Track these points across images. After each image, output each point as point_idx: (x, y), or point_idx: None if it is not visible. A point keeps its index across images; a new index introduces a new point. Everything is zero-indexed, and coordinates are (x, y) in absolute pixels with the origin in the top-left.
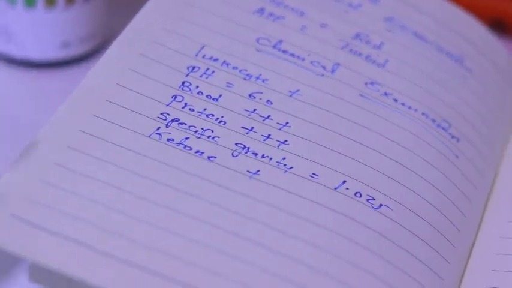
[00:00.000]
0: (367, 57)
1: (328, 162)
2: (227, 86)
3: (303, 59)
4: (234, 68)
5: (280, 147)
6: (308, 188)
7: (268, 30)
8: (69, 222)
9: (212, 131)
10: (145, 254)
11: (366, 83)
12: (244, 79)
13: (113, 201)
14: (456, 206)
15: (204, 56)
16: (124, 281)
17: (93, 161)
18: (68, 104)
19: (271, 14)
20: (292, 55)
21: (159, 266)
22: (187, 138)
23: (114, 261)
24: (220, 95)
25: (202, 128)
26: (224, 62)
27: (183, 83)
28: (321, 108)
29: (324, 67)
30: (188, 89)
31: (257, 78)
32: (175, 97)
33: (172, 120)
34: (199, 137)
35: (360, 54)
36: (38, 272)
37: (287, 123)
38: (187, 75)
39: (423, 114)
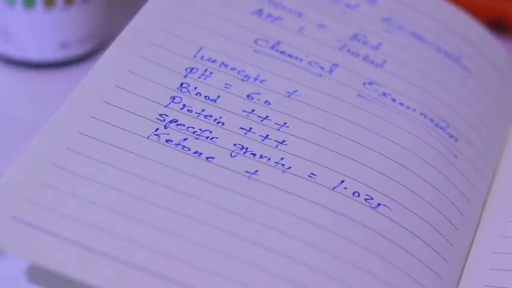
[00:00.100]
0: (365, 58)
1: (326, 162)
2: (225, 87)
3: (301, 60)
4: (232, 69)
5: (279, 147)
6: (306, 188)
7: (266, 31)
8: (69, 223)
9: (210, 132)
10: (144, 255)
11: (364, 83)
12: (243, 80)
13: (111, 203)
14: (455, 205)
15: (202, 58)
16: (124, 282)
17: (92, 163)
18: (67, 105)
19: (269, 15)
20: (290, 56)
21: (158, 267)
22: (185, 139)
23: (113, 262)
24: (219, 96)
25: (200, 129)
26: (222, 63)
27: (181, 84)
28: (319, 108)
29: (322, 68)
30: (186, 90)
31: (255, 79)
32: (174, 98)
33: (170, 121)
34: (197, 138)
35: (358, 54)
36: (37, 274)
37: (285, 123)
38: (185, 76)
39: (421, 114)
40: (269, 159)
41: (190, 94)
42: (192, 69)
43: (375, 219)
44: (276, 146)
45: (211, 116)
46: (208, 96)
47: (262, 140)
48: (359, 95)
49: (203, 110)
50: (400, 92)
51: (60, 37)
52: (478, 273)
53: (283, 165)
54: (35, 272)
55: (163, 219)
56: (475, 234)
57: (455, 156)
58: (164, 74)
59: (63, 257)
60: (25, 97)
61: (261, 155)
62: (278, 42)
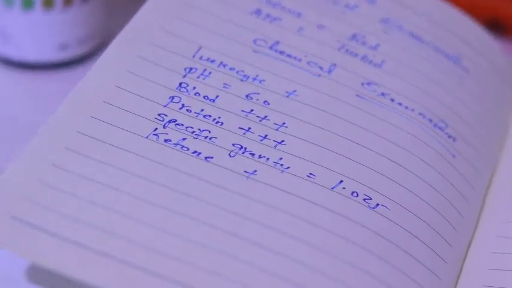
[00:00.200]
0: (364, 58)
1: (325, 162)
2: (224, 86)
3: (300, 60)
4: (231, 69)
5: (277, 147)
6: (305, 187)
7: (265, 31)
8: (68, 223)
9: (209, 132)
10: (143, 255)
11: (363, 84)
12: (241, 80)
13: (111, 202)
14: (453, 205)
15: (201, 57)
16: (123, 282)
17: (91, 162)
18: (66, 105)
19: (268, 15)
20: (289, 56)
21: (157, 266)
22: (184, 138)
23: (113, 261)
24: (217, 96)
25: (199, 129)
26: (221, 63)
27: (180, 84)
28: (317, 108)
29: (320, 68)
30: (185, 90)
31: (254, 79)
32: (173, 98)
33: (169, 121)
34: (196, 138)
35: (357, 54)
36: (37, 273)
37: (284, 123)
38: (184, 76)
39: (420, 114)
40: (268, 159)
41: (189, 94)
42: (191, 69)
43: (373, 220)
44: (275, 146)
45: (210, 116)
46: (207, 96)
47: (261, 140)
48: (358, 95)
49: (202, 110)
50: (399, 92)
51: (59, 38)
52: (477, 273)
53: (282, 165)
54: (35, 272)
55: (162, 219)
56: (473, 234)
57: (454, 157)
58: (163, 73)
59: (62, 256)
60: (24, 98)
61: (260, 155)
62: (277, 42)
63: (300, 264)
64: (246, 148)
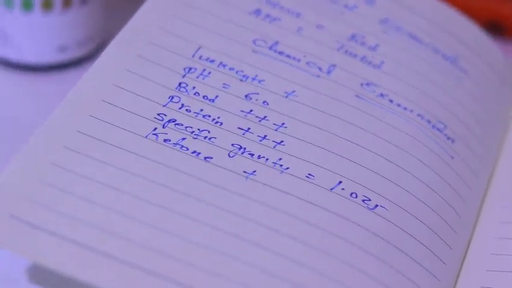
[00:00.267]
0: (363, 59)
1: (324, 163)
2: (223, 87)
3: (299, 60)
4: (230, 69)
5: (277, 147)
6: (304, 188)
7: (264, 32)
8: (67, 222)
9: (209, 132)
10: (143, 254)
11: (362, 84)
12: (241, 80)
13: (110, 202)
14: (451, 206)
15: (200, 57)
16: (123, 282)
17: (90, 162)
18: (65, 104)
19: (267, 16)
20: (288, 56)
21: (155, 266)
22: (183, 138)
23: (113, 261)
24: (217, 96)
25: (198, 129)
26: (220, 63)
27: (180, 84)
28: (317, 109)
29: (319, 68)
30: (185, 90)
31: (253, 79)
32: (172, 98)
33: (169, 121)
34: (195, 138)
35: (356, 55)
36: (38, 273)
37: (283, 124)
38: (183, 76)
39: (419, 115)
40: (267, 159)
41: (188, 94)
42: (190, 68)
43: (372, 221)
44: (274, 147)
45: (209, 116)
46: (206, 96)
47: (260, 141)
48: (357, 96)
49: (201, 110)
50: (398, 93)
51: (58, 40)
52: (475, 274)
53: (281, 165)
54: (35, 272)
55: (161, 219)
56: (471, 235)
57: (452, 158)
58: (163, 73)
59: (62, 256)
60: (23, 100)
61: (259, 156)
62: (276, 43)
63: (299, 264)
64: (245, 148)
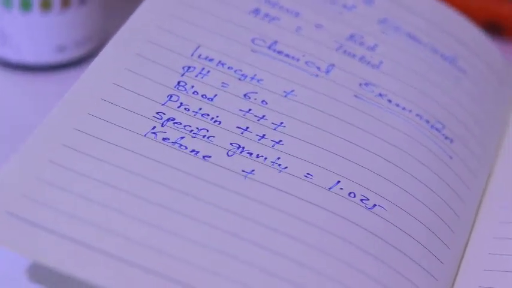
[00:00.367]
0: (362, 58)
1: (322, 163)
2: (222, 86)
3: (298, 60)
4: (229, 68)
5: (275, 147)
6: (302, 187)
7: (263, 31)
8: (65, 220)
9: (207, 131)
10: (141, 253)
11: (360, 84)
12: (239, 79)
13: (108, 200)
14: (450, 206)
15: (199, 56)
16: (122, 280)
17: (88, 160)
18: (64, 102)
19: (266, 15)
20: (287, 56)
21: (154, 264)
22: (182, 137)
23: (111, 259)
24: (216, 95)
25: (197, 128)
26: (219, 62)
27: (179, 82)
28: (315, 108)
29: (318, 68)
30: (183, 89)
31: (252, 78)
32: (171, 96)
33: (167, 120)
34: (194, 137)
35: (354, 55)
36: (37, 272)
37: (282, 123)
38: (182, 75)
39: (417, 115)
40: (265, 158)
41: (187, 92)
42: (189, 67)
43: (370, 220)
44: (273, 146)
45: (208, 115)
46: (205, 95)
47: (259, 140)
48: (355, 96)
49: (200, 109)
50: (396, 93)
51: (57, 40)
52: (473, 274)
53: (279, 165)
54: (35, 271)
55: (160, 217)
56: (470, 235)
57: (451, 158)
58: (161, 72)
59: (60, 254)
60: (22, 100)
61: (258, 155)
62: (275, 42)
63: (296, 263)
64: (243, 147)
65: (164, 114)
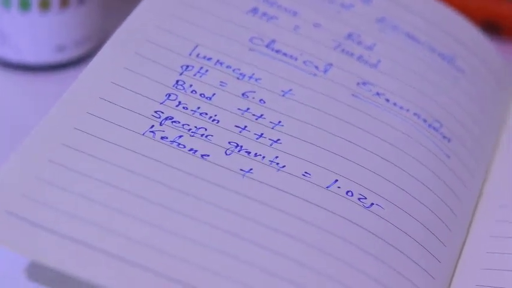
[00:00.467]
0: (360, 58)
1: (320, 161)
2: (220, 85)
3: (296, 59)
4: (227, 67)
5: (273, 146)
6: (300, 186)
7: (261, 30)
8: (65, 219)
9: (205, 130)
10: (141, 252)
11: (358, 83)
12: (238, 78)
13: (107, 199)
14: (447, 205)
15: (197, 55)
16: (123, 280)
17: (88, 159)
18: (63, 101)
19: (264, 14)
20: (285, 55)
21: (153, 264)
22: (180, 136)
23: (111, 259)
24: (214, 94)
25: (195, 127)
26: (217, 61)
27: (177, 81)
28: (313, 107)
29: (316, 67)
30: (182, 88)
31: (250, 77)
32: (169, 95)
33: (166, 119)
34: (192, 135)
35: (352, 54)
36: (37, 272)
37: (280, 122)
38: (181, 74)
39: (415, 114)
40: (264, 157)
41: (185, 91)
42: (187, 66)
43: (368, 219)
44: (271, 145)
45: (206, 114)
46: (203, 94)
47: (257, 139)
48: (353, 95)
49: (198, 108)
50: (394, 92)
51: (56, 40)
52: (470, 272)
53: (277, 163)
54: (34, 270)
55: (159, 216)
56: (467, 234)
57: (448, 157)
58: (160, 71)
59: (60, 253)
60: (22, 100)
61: (256, 153)
62: (273, 41)
63: (295, 262)
64: (242, 146)
65: (162, 113)
